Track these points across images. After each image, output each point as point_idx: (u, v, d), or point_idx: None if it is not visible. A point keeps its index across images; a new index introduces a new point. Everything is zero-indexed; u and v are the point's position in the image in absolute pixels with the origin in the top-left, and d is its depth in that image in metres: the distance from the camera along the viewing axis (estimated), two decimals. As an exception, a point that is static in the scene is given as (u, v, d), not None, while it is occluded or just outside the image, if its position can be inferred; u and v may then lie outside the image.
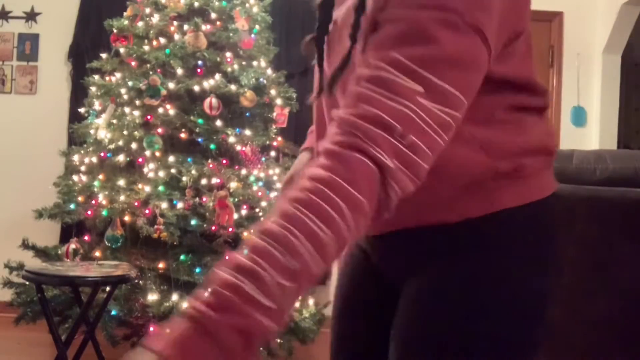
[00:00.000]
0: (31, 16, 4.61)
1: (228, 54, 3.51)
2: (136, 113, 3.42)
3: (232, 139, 3.42)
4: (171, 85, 3.39)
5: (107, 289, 2.91)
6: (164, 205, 3.19)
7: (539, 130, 0.96)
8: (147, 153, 3.33)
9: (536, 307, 0.94)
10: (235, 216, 3.27)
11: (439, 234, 0.92)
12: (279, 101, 3.70)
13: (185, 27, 3.50)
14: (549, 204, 0.96)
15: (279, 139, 3.76)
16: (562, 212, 1.01)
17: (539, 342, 0.94)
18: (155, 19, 3.55)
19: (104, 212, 3.25)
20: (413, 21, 0.78)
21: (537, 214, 0.94)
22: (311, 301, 3.57)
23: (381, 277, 1.05)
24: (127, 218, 3.23)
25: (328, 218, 0.71)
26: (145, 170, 3.32)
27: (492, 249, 0.91)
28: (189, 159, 3.34)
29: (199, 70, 3.48)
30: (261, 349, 3.15)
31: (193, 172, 3.26)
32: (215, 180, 3.29)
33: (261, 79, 3.61)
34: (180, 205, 3.23)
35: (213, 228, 3.24)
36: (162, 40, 3.50)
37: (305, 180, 0.74)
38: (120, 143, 3.42)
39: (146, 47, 3.49)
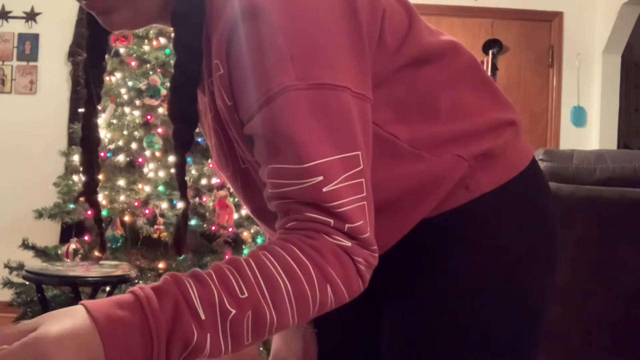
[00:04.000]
0: (31, 16, 4.61)
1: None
2: (136, 113, 3.42)
3: (232, 139, 3.42)
4: (171, 85, 3.38)
5: (107, 289, 2.91)
6: (164, 205, 3.19)
7: (482, 103, 0.93)
8: (147, 153, 3.33)
9: (530, 297, 0.92)
10: (235, 216, 3.27)
11: (418, 231, 0.90)
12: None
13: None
14: (528, 175, 0.95)
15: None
16: (559, 209, 0.99)
17: (536, 341, 0.93)
18: (155, 19, 3.55)
19: (104, 212, 3.25)
20: (266, 130, 0.76)
21: (517, 190, 0.93)
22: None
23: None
24: (127, 218, 3.23)
25: (292, 274, 0.73)
26: (145, 170, 3.32)
27: (476, 239, 0.90)
28: (189, 159, 3.34)
29: (199, 70, 3.48)
30: (261, 349, 3.15)
31: (193, 172, 3.26)
32: (215, 180, 3.29)
33: (261, 79, 3.60)
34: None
35: (213, 228, 3.24)
36: (162, 40, 3.50)
37: (273, 244, 0.77)
38: (120, 143, 3.42)
39: (146, 47, 3.49)
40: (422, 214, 0.89)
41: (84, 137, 0.97)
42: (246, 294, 0.71)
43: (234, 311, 0.70)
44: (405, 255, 0.92)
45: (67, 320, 0.66)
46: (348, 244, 0.76)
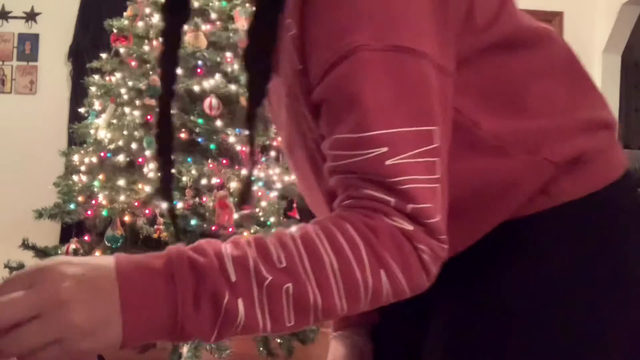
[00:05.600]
0: (31, 16, 4.61)
1: (228, 54, 3.51)
2: (136, 113, 3.42)
3: (232, 139, 3.42)
4: (171, 85, 3.39)
5: (107, 289, 2.91)
6: (164, 205, 3.19)
7: (575, 99, 0.82)
8: (147, 153, 3.33)
9: (598, 329, 0.77)
10: (235, 216, 3.27)
11: (485, 235, 0.80)
12: (279, 101, 3.70)
13: (185, 27, 3.49)
14: (620, 187, 0.82)
15: (279, 139, 3.76)
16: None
17: None
18: (155, 19, 3.55)
19: (104, 212, 3.25)
20: (333, 94, 0.70)
21: (605, 204, 0.80)
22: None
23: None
24: (127, 218, 3.23)
25: (340, 250, 0.66)
26: (145, 170, 3.32)
27: (550, 252, 0.79)
28: (189, 159, 3.34)
29: (199, 70, 3.48)
30: (261, 348, 3.15)
31: (193, 172, 3.26)
32: (215, 180, 3.29)
33: (261, 79, 3.61)
34: (180, 205, 3.23)
35: (213, 228, 3.24)
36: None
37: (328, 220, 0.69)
38: (120, 143, 3.42)
39: (146, 47, 3.49)
40: (498, 219, 0.79)
41: (160, 132, 0.93)
42: (284, 264, 0.64)
43: (269, 277, 0.63)
44: (467, 261, 0.81)
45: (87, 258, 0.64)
46: (410, 227, 0.67)
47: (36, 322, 0.58)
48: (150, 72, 3.42)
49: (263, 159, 3.57)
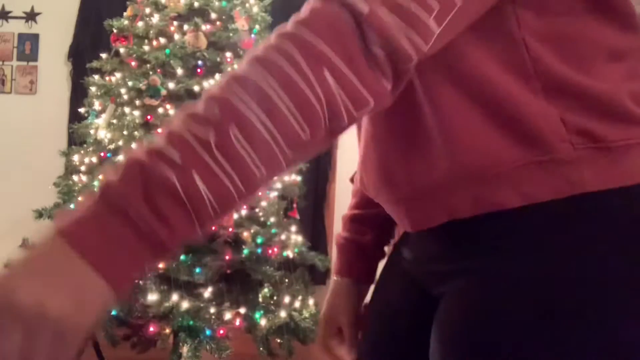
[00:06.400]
0: (31, 16, 4.61)
1: (228, 54, 3.51)
2: (136, 113, 3.42)
3: (232, 139, 3.42)
4: (171, 85, 3.39)
5: (107, 289, 2.91)
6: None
7: (634, 87, 0.74)
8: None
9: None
10: (235, 216, 3.27)
11: (492, 221, 0.72)
12: (279, 101, 3.70)
13: (185, 27, 3.50)
14: None
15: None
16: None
17: None
18: (155, 19, 3.55)
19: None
20: None
21: (634, 204, 0.71)
22: (311, 301, 3.58)
23: (421, 289, 0.88)
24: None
25: (269, 62, 0.58)
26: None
27: (566, 250, 0.69)
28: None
29: (199, 70, 3.48)
30: (261, 349, 3.15)
31: (193, 172, 3.26)
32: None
33: (261, 79, 3.61)
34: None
35: (213, 228, 3.24)
36: (162, 40, 3.50)
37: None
38: (120, 143, 3.43)
39: (146, 47, 3.50)
40: (495, 153, 0.70)
41: None
42: (218, 112, 0.57)
43: (211, 134, 0.56)
44: (471, 249, 0.75)
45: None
46: (365, 7, 0.58)
47: (33, 345, 0.55)
48: (150, 72, 3.43)
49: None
